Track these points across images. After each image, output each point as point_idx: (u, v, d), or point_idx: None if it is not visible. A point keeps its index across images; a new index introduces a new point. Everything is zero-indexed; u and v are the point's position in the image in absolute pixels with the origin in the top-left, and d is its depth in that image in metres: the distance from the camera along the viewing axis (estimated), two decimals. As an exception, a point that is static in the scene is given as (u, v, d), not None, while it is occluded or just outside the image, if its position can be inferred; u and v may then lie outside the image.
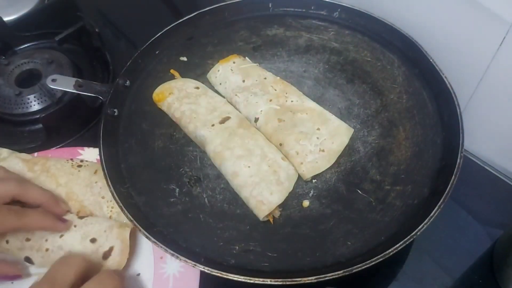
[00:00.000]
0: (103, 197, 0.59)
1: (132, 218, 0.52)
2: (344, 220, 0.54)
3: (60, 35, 0.80)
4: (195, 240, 0.53)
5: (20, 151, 0.64)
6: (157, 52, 0.70)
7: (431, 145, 0.58)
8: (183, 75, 0.69)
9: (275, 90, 0.64)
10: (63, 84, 0.65)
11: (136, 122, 0.64)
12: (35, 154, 0.65)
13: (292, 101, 0.63)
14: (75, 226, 0.56)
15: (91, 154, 0.65)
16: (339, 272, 0.47)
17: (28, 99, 0.73)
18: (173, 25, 0.70)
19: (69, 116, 0.71)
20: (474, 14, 0.56)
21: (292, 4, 0.72)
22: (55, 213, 0.55)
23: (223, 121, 0.61)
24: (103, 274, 0.49)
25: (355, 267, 0.47)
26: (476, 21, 0.57)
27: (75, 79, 0.66)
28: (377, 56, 0.67)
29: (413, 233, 0.49)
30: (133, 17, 0.93)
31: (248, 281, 0.47)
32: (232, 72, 0.66)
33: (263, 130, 0.61)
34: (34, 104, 0.73)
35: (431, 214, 0.50)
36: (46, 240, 0.54)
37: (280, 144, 0.60)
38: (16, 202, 0.54)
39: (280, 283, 0.47)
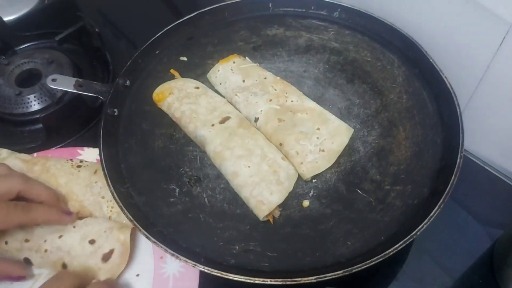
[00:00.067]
0: (103, 197, 0.59)
1: (132, 218, 0.52)
2: (344, 220, 0.54)
3: (60, 35, 0.80)
4: (195, 240, 0.53)
5: (20, 151, 0.64)
6: (157, 52, 0.70)
7: (431, 145, 0.58)
8: (183, 75, 0.69)
9: (275, 90, 0.64)
10: (63, 84, 0.65)
11: (136, 122, 0.64)
12: (35, 154, 0.65)
13: (292, 101, 0.63)
14: (74, 226, 0.56)
15: (90, 154, 0.65)
16: (339, 272, 0.47)
17: (28, 99, 0.73)
18: (173, 25, 0.70)
19: (69, 116, 0.71)
20: (474, 14, 0.56)
21: (292, 4, 0.72)
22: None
23: (223, 121, 0.61)
24: (95, 286, 0.49)
25: (355, 267, 0.47)
26: (476, 21, 0.57)
27: (75, 79, 0.66)
28: (377, 56, 0.67)
29: (413, 233, 0.49)
30: (133, 17, 0.93)
31: (248, 281, 0.47)
32: (232, 72, 0.66)
33: (263, 130, 0.61)
34: (34, 104, 0.73)
35: (431, 214, 0.50)
36: (45, 241, 0.54)
37: (280, 144, 0.60)
38: (20, 199, 0.54)
39: (280, 283, 0.47)
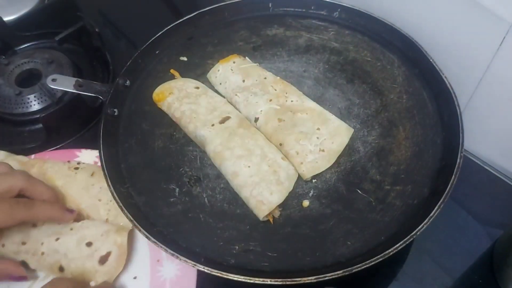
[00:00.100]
0: (100, 200, 0.59)
1: (132, 218, 0.52)
2: (344, 220, 0.54)
3: (60, 35, 0.80)
4: (195, 240, 0.53)
5: (20, 151, 0.64)
6: (157, 52, 0.70)
7: (431, 145, 0.58)
8: (183, 75, 0.69)
9: (275, 90, 0.64)
10: (63, 84, 0.65)
11: (136, 122, 0.64)
12: (32, 156, 0.65)
13: (292, 101, 0.63)
14: (71, 229, 0.55)
15: (88, 156, 0.65)
16: (339, 272, 0.47)
17: (28, 99, 0.73)
18: (173, 25, 0.70)
19: (69, 116, 0.71)
20: (474, 14, 0.56)
21: (292, 4, 0.72)
22: None
23: (223, 121, 0.61)
24: None
25: (355, 267, 0.47)
26: (476, 21, 0.57)
27: (75, 79, 0.66)
28: (377, 56, 0.67)
29: (413, 233, 0.49)
30: (133, 17, 0.93)
31: (248, 281, 0.47)
32: (232, 72, 0.66)
33: (263, 130, 0.61)
34: (34, 104, 0.73)
35: (431, 214, 0.50)
36: (42, 244, 0.54)
37: (280, 144, 0.60)
38: (21, 197, 0.54)
39: (280, 283, 0.47)
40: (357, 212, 0.55)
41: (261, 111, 0.62)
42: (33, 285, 0.55)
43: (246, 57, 0.69)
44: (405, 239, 0.48)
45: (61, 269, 0.53)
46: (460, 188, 0.52)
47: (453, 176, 0.52)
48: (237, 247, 0.52)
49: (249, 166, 0.57)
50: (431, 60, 0.62)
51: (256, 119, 0.62)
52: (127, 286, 0.55)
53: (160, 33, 0.69)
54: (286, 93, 0.64)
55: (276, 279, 0.47)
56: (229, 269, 0.48)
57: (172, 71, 0.69)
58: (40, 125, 0.70)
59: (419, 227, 0.49)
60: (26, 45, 0.84)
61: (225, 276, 0.48)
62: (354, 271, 0.47)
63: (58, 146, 0.70)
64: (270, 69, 0.68)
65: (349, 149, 0.60)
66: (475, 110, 0.64)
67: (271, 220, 0.55)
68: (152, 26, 0.73)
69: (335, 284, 0.48)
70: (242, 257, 0.52)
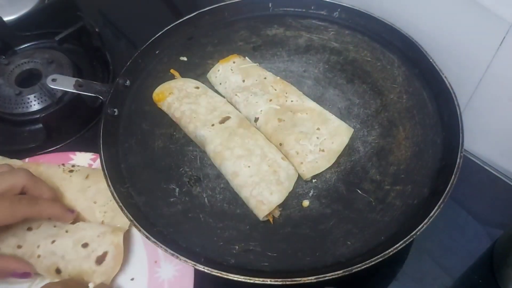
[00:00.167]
0: (95, 202, 0.59)
1: (132, 218, 0.52)
2: (344, 220, 0.54)
3: (60, 35, 0.80)
4: (195, 240, 0.53)
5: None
6: (157, 52, 0.70)
7: (431, 145, 0.58)
8: (183, 75, 0.69)
9: (275, 90, 0.64)
10: (63, 84, 0.65)
11: (136, 122, 0.64)
12: (26, 160, 0.65)
13: (292, 101, 0.63)
14: (67, 231, 0.55)
15: (82, 159, 0.65)
16: (339, 272, 0.47)
17: (28, 99, 0.73)
18: (173, 25, 0.70)
19: (69, 116, 0.71)
20: (474, 14, 0.56)
21: (292, 4, 0.72)
22: None
23: (223, 121, 0.61)
24: None
25: (355, 267, 0.47)
26: (476, 21, 0.57)
27: (75, 79, 0.66)
28: (377, 56, 0.67)
29: (413, 233, 0.49)
30: (133, 17, 0.93)
31: (248, 281, 0.47)
32: (232, 72, 0.66)
33: (263, 130, 0.61)
34: (34, 104, 0.73)
35: (431, 214, 0.50)
36: (38, 247, 0.54)
37: (280, 144, 0.60)
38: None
39: (280, 283, 0.47)
40: (357, 212, 0.55)
41: (261, 111, 0.62)
42: (31, 286, 0.55)
43: (246, 57, 0.69)
44: (405, 239, 0.48)
45: (58, 271, 0.53)
46: (460, 188, 0.52)
47: (453, 176, 0.52)
48: (237, 247, 0.52)
49: (249, 166, 0.57)
50: (431, 60, 0.62)
51: (256, 119, 0.62)
52: (125, 287, 0.55)
53: (160, 33, 0.69)
54: (286, 93, 0.64)
55: (276, 279, 0.47)
56: (229, 269, 0.48)
57: (172, 71, 0.69)
58: (40, 125, 0.70)
59: (419, 227, 0.49)
60: (26, 45, 0.84)
61: (225, 276, 0.47)
62: (354, 271, 0.47)
63: (58, 146, 0.70)
64: (270, 69, 0.68)
65: (349, 149, 0.60)
66: (475, 110, 0.64)
67: (271, 220, 0.55)
68: (152, 26, 0.74)
69: (335, 284, 0.48)
70: (242, 257, 0.52)
